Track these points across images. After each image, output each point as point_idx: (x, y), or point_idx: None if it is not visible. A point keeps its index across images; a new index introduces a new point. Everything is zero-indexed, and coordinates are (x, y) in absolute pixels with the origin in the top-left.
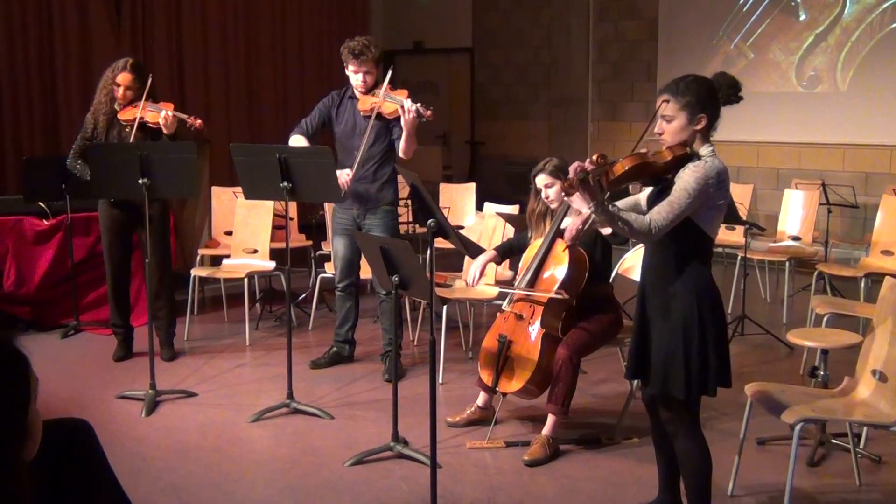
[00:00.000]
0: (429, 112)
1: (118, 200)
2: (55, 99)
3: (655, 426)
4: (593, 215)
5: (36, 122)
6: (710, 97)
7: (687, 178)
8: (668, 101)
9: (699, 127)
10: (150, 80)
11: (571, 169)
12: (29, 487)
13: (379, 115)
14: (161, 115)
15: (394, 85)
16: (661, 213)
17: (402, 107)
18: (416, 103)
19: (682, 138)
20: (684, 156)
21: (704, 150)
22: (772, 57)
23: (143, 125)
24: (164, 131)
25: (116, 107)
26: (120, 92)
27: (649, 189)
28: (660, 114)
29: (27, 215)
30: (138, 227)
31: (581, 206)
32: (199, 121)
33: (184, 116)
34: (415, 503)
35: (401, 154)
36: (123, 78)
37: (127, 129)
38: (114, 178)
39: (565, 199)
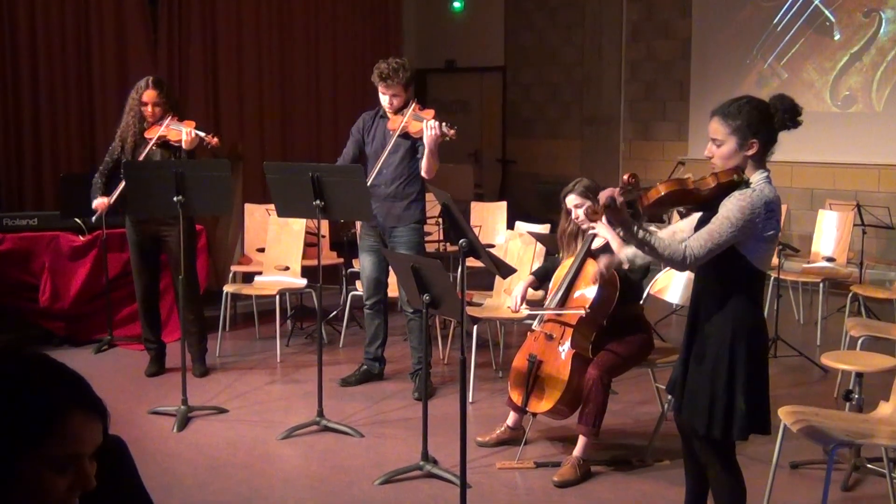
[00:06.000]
0: (452, 131)
1: (144, 219)
2: (92, 117)
3: (688, 448)
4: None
5: (73, 140)
6: (764, 121)
7: (731, 207)
8: (718, 124)
9: (750, 153)
10: (171, 98)
11: (602, 195)
12: None
13: (406, 134)
14: (183, 133)
15: (424, 105)
16: (698, 242)
17: (427, 124)
18: (441, 122)
19: (732, 163)
20: (730, 183)
21: (757, 177)
22: (806, 76)
23: (164, 143)
24: (185, 147)
25: (144, 125)
26: (148, 109)
27: (695, 215)
28: (710, 136)
29: (64, 231)
30: (164, 244)
31: (605, 233)
32: (215, 139)
33: (202, 134)
34: None
35: (423, 173)
36: (148, 95)
37: (153, 147)
38: (149, 196)
39: (590, 223)
